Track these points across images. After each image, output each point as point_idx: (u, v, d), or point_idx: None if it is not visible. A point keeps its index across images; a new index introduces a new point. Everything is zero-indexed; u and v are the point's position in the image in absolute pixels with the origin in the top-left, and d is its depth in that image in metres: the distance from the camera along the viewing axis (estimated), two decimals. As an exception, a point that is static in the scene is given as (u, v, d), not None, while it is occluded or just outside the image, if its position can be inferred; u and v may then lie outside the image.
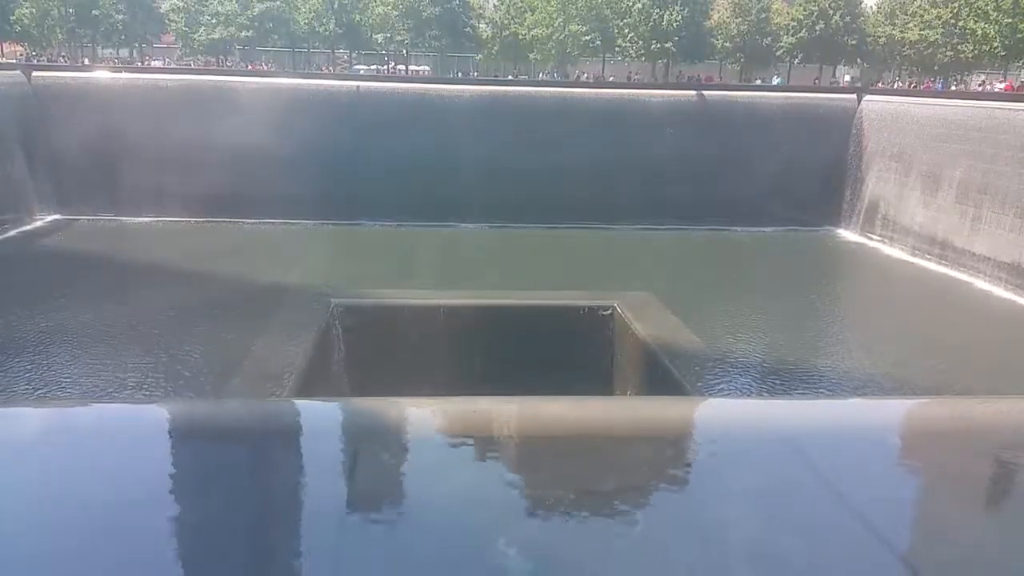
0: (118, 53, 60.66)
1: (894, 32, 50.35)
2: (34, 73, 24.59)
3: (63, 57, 53.82)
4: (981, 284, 19.20)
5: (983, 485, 2.10)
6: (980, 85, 49.26)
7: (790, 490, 1.91)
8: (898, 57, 51.82)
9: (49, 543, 1.66)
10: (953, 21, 46.16)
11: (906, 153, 23.37)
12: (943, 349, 14.12)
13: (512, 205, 23.50)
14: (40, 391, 10.48)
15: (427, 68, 61.52)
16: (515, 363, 9.23)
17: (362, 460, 2.09)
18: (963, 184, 20.69)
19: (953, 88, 45.54)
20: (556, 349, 9.63)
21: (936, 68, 49.98)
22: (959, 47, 45.92)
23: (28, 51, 53.62)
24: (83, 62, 48.81)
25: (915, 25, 48.58)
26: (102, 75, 26.15)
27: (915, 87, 46.61)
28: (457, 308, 9.86)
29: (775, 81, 47.97)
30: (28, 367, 11.41)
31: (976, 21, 40.56)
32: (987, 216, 19.75)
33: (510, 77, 50.69)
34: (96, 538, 1.68)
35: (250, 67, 52.28)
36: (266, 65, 55.91)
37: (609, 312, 9.82)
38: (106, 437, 2.19)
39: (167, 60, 58.31)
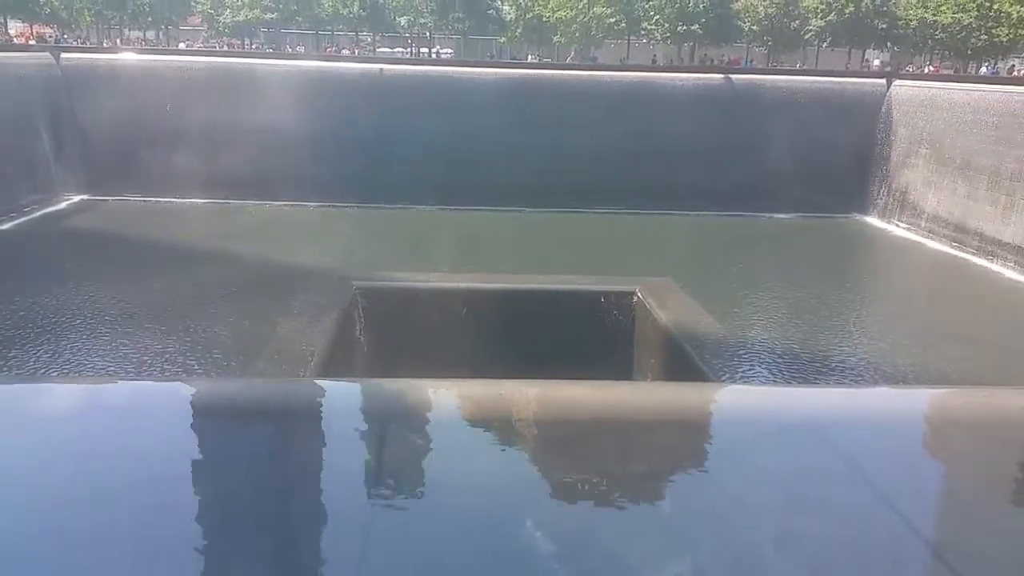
0: (145, 35, 61.06)
1: (926, 15, 49.24)
2: (63, 55, 24.82)
3: (102, 39, 54.31)
4: (1013, 274, 18.86)
5: (1010, 474, 2.07)
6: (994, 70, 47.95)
7: (816, 477, 1.89)
8: (930, 41, 50.69)
9: (76, 518, 1.68)
10: (988, 4, 45.05)
11: (936, 139, 22.91)
12: (985, 345, 13.18)
13: (536, 189, 23.38)
14: (65, 369, 10.65)
15: (450, 51, 61.26)
16: (535, 347, 9.22)
17: (386, 440, 2.10)
18: (995, 171, 20.28)
19: (973, 72, 44.46)
20: (576, 334, 9.61)
21: (970, 52, 48.86)
22: (994, 31, 44.82)
23: (57, 33, 54.17)
24: (117, 43, 49.23)
25: (948, 8, 47.45)
26: (129, 57, 26.34)
27: (938, 71, 45.63)
28: (477, 292, 9.86)
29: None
30: (47, 347, 11.59)
31: (1012, 4, 39.53)
32: (1020, 204, 19.35)
33: (530, 59, 50.23)
34: (122, 514, 1.70)
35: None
36: (293, 47, 56.13)
37: (631, 297, 9.77)
38: (133, 414, 2.22)
39: (192, 42, 58.66)
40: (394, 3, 57.64)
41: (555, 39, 55.68)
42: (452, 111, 24.23)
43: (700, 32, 50.82)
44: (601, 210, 23.69)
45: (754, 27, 54.50)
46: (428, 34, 60.85)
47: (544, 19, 54.26)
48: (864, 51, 58.39)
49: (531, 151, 24.02)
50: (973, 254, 20.43)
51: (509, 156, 23.87)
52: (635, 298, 9.72)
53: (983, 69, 47.61)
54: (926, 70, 49.62)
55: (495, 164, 23.57)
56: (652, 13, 51.82)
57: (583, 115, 24.66)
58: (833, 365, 11.96)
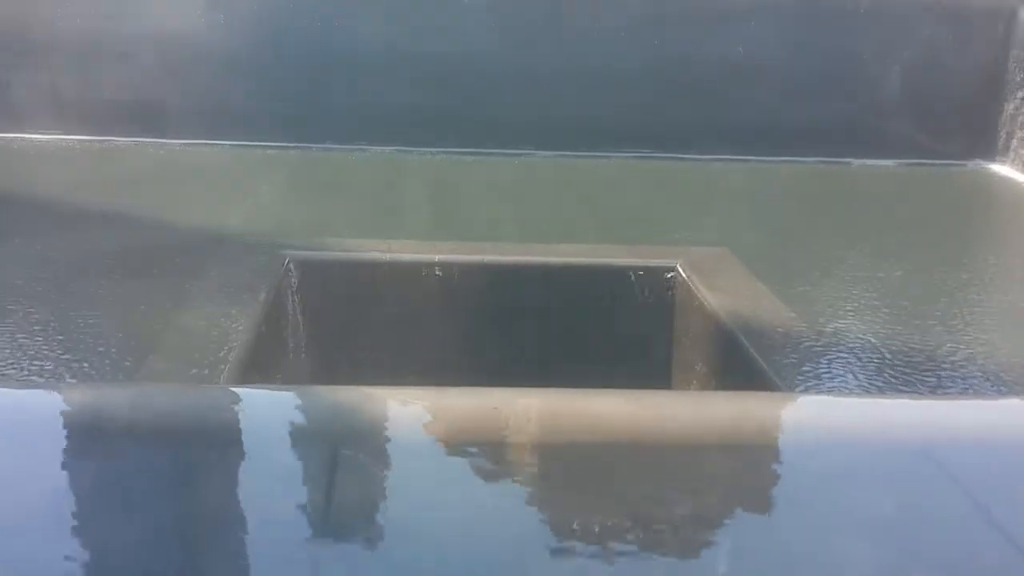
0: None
1: None
2: None
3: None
4: None
5: None
6: None
7: (927, 516, 1.91)
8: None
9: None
10: None
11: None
12: None
13: (546, 126, 23.26)
14: None
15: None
16: (537, 342, 9.23)
17: (335, 469, 2.10)
18: None
19: None
20: (594, 324, 9.60)
21: None
22: None
23: None
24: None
25: None
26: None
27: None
28: (457, 266, 9.80)
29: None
30: None
31: None
32: None
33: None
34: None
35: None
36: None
37: (669, 274, 9.78)
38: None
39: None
40: None
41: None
42: (428, 15, 24.06)
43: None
44: (635, 154, 23.64)
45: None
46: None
47: None
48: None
49: (539, 73, 23.85)
50: None
51: (508, 80, 23.72)
52: (675, 275, 9.73)
53: None
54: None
55: (489, 91, 23.43)
56: None
57: (608, 22, 24.54)
58: (946, 370, 12.00)
